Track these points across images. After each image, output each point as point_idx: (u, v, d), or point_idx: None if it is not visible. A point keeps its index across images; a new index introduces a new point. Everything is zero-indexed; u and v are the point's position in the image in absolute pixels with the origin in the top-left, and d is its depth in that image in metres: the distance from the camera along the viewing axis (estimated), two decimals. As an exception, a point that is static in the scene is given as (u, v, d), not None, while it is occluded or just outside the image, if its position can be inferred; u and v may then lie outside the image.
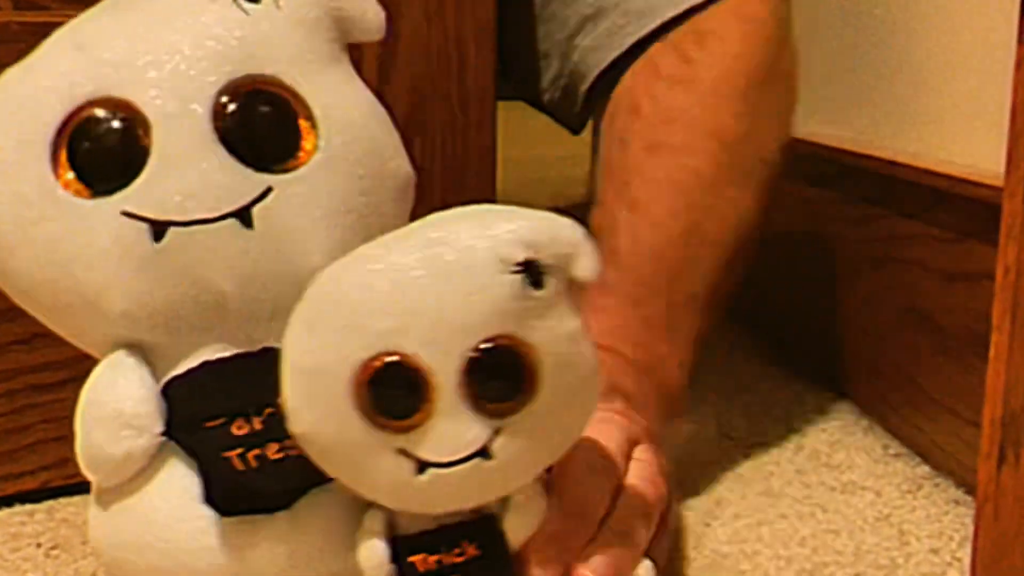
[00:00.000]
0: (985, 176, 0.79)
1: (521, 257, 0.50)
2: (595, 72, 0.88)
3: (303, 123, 0.54)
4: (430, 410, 0.51)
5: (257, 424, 0.54)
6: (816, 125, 1.08)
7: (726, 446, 0.92)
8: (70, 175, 0.53)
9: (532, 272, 0.51)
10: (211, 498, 0.53)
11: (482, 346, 0.50)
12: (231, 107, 0.53)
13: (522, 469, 0.54)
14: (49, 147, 0.53)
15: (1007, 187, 0.58)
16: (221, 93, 0.53)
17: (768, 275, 1.13)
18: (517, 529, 0.56)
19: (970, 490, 0.81)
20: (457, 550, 0.55)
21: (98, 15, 0.56)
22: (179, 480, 0.54)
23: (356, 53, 0.79)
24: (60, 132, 0.53)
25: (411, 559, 0.55)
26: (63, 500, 0.82)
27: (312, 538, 0.55)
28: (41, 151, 0.53)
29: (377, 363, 0.50)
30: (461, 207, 0.52)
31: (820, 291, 1.05)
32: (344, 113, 0.56)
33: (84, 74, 0.53)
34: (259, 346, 0.55)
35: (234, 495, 0.53)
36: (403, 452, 0.52)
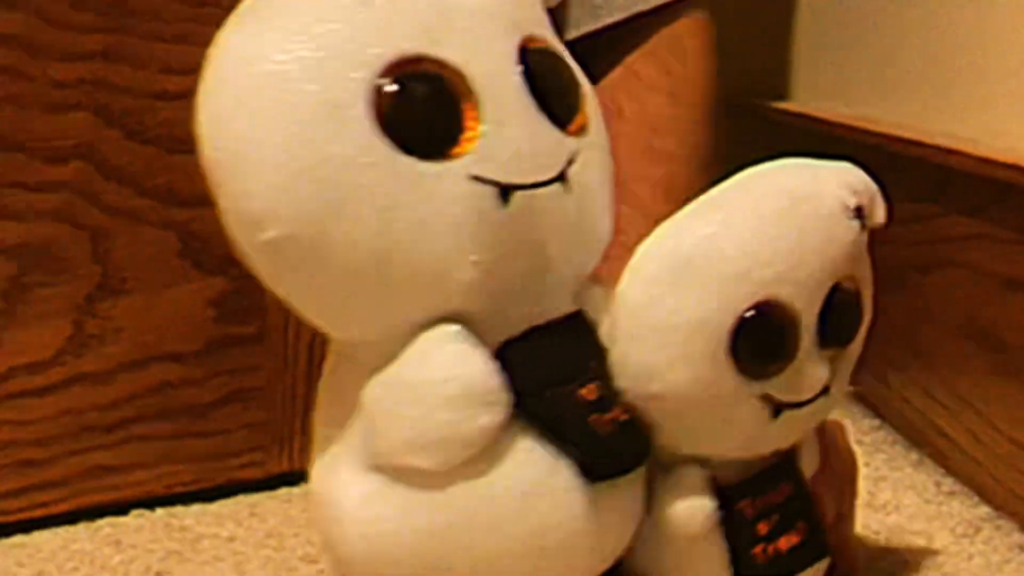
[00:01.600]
0: None
1: (855, 203, 0.59)
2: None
3: (580, 85, 0.59)
4: (796, 354, 0.57)
5: (598, 388, 0.57)
6: (859, 109, 1.05)
7: None
8: (393, 138, 0.52)
9: (861, 216, 0.60)
10: (585, 465, 0.56)
11: (837, 287, 0.58)
12: (535, 67, 0.55)
13: (838, 403, 0.63)
14: (370, 108, 0.51)
15: None
16: (519, 52, 0.55)
17: None
18: (808, 466, 0.64)
19: (1036, 534, 0.78)
20: (777, 490, 0.62)
21: None
22: (529, 452, 0.56)
23: None
24: (378, 92, 0.51)
25: (738, 506, 0.60)
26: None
27: (638, 497, 0.60)
28: (362, 112, 0.51)
29: (751, 312, 0.55)
30: (755, 166, 0.60)
31: None
32: (582, 75, 0.60)
33: (387, 31, 0.53)
34: (561, 312, 0.57)
35: (606, 460, 0.57)
36: (766, 398, 0.57)
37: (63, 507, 0.79)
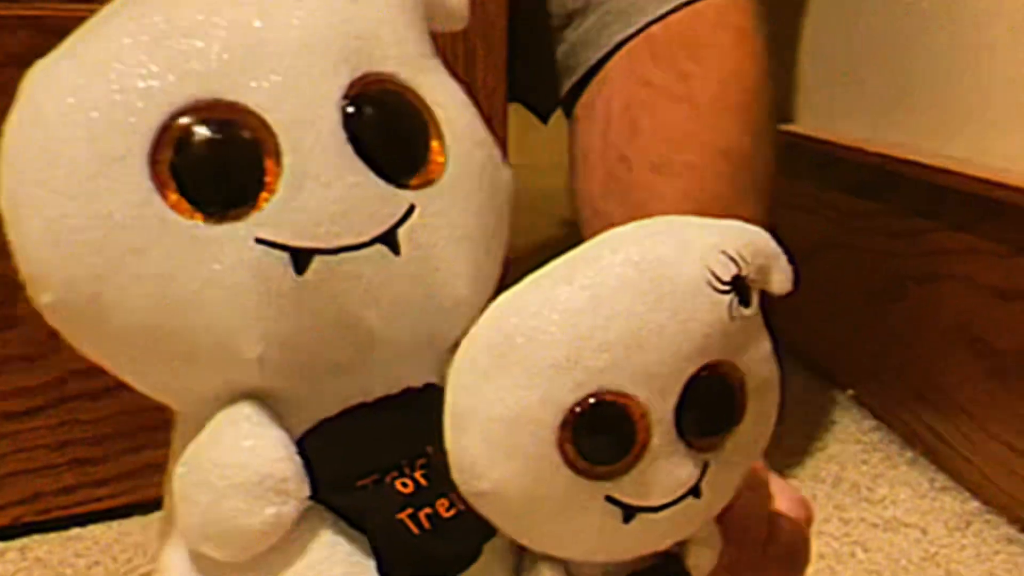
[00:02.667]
0: None
1: (730, 275, 0.47)
2: (584, 68, 0.89)
3: (431, 129, 0.49)
4: (643, 452, 0.47)
5: (419, 479, 0.49)
6: (857, 129, 1.09)
7: None
8: (175, 196, 0.45)
9: (740, 290, 0.48)
10: (383, 567, 0.48)
11: (700, 376, 0.47)
12: (364, 112, 0.47)
13: (720, 502, 0.52)
14: (147, 162, 0.44)
15: None
16: (347, 95, 0.47)
17: (804, 293, 1.11)
18: (701, 566, 0.54)
19: (1024, 527, 0.80)
20: None
21: None
22: (332, 548, 0.48)
23: None
24: (158, 143, 0.45)
25: None
26: (36, 538, 0.83)
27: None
28: (138, 166, 0.44)
29: (585, 405, 0.46)
30: (632, 223, 0.48)
31: (861, 310, 1.06)
32: (458, 115, 0.50)
33: (176, 71, 0.45)
34: (399, 387, 0.50)
35: (413, 563, 0.48)
36: (611, 499, 0.48)
37: (118, 501, 0.83)
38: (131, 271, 0.45)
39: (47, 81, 0.45)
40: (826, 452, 0.97)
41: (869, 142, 1.05)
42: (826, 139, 1.09)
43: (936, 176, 0.91)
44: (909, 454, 0.97)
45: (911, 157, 0.96)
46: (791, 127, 1.21)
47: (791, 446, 0.98)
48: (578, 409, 0.45)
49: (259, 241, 0.45)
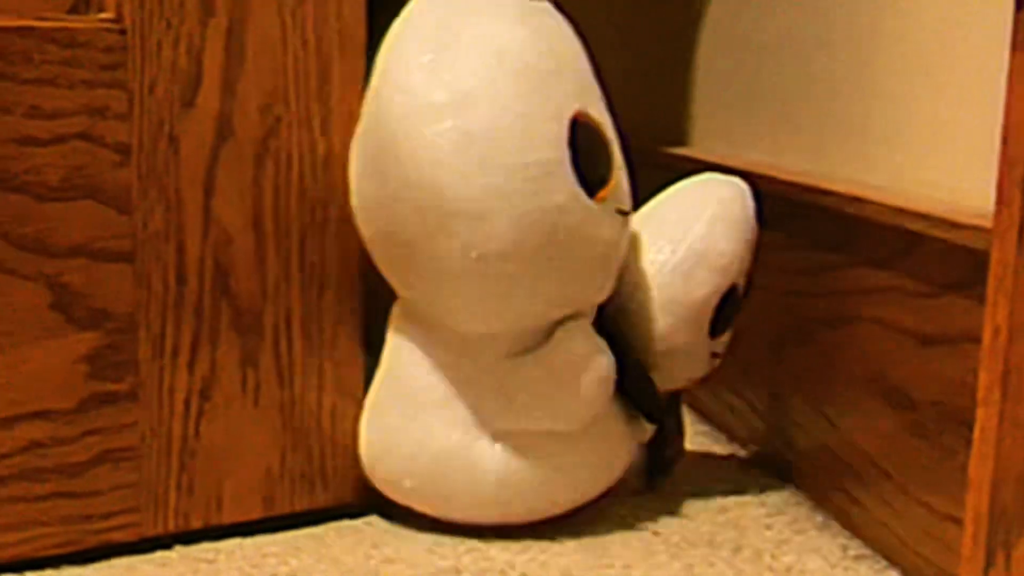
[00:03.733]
0: (969, 216, 0.76)
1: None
2: None
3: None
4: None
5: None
6: (760, 154, 1.07)
7: (649, 542, 0.89)
8: (578, 186, 0.81)
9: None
10: (651, 415, 0.95)
11: None
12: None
13: None
14: (570, 164, 0.81)
15: (996, 229, 0.57)
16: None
17: None
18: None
19: (949, 601, 0.79)
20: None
21: (511, 26, 0.81)
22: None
23: (194, 66, 0.77)
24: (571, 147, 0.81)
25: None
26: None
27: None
28: (567, 167, 0.80)
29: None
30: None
31: (764, 355, 1.04)
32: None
33: (559, 94, 0.82)
34: None
35: (658, 408, 0.96)
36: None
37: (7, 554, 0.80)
38: (558, 239, 0.81)
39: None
40: (725, 515, 0.94)
41: (771, 168, 1.03)
42: (722, 164, 1.06)
43: (847, 205, 0.89)
44: (819, 517, 0.93)
45: (819, 184, 0.93)
46: (683, 150, 1.19)
47: (685, 508, 0.95)
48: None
49: (619, 211, 0.86)
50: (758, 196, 0.96)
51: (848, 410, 0.91)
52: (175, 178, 0.79)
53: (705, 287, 0.91)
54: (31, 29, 0.74)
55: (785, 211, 0.98)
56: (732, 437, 1.09)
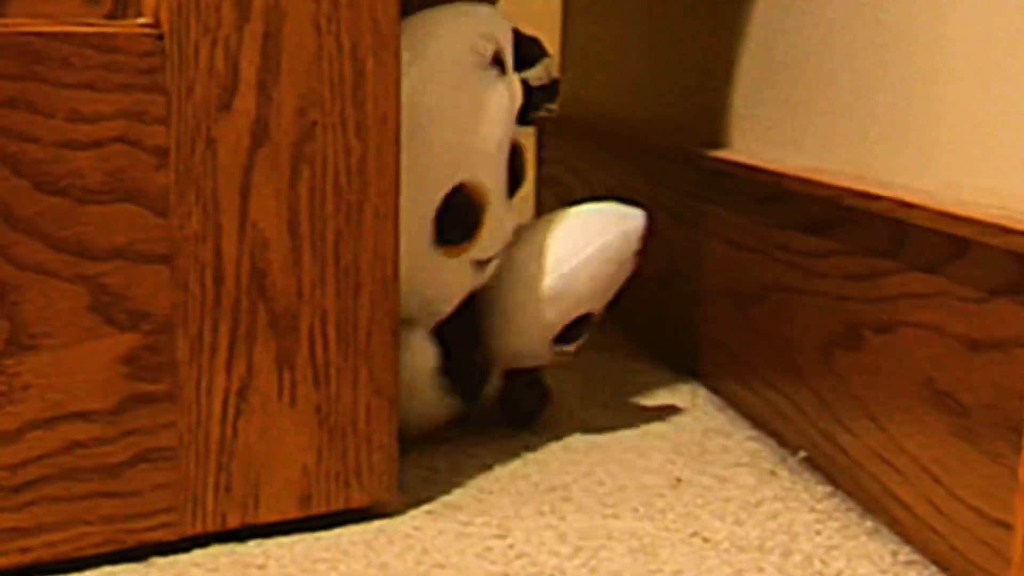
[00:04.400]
0: (1018, 221, 0.76)
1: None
2: None
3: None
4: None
5: None
6: (811, 160, 1.06)
7: (699, 547, 0.88)
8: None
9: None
10: None
11: None
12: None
13: None
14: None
15: None
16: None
17: (748, 342, 1.11)
18: None
19: (994, 606, 0.79)
20: None
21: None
22: None
23: (230, 70, 0.79)
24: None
25: None
26: None
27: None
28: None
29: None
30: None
31: (815, 360, 1.03)
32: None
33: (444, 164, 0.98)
34: None
35: None
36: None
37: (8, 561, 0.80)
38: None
39: None
40: (775, 520, 0.93)
41: (821, 173, 1.02)
42: (772, 169, 1.07)
43: (897, 211, 0.88)
44: (869, 523, 0.93)
45: (869, 190, 0.92)
46: (725, 154, 1.19)
47: (735, 512, 0.95)
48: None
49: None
50: (805, 200, 0.96)
51: (898, 415, 0.89)
52: (212, 181, 0.80)
53: (561, 314, 1.07)
54: (70, 35, 0.76)
55: (834, 216, 0.98)
56: (782, 442, 1.09)
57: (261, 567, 0.83)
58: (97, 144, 0.77)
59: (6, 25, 0.75)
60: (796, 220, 1.04)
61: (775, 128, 1.14)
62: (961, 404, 0.81)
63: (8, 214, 0.76)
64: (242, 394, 0.83)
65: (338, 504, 0.88)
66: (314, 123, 0.82)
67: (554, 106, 1.44)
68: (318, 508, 0.88)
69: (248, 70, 0.80)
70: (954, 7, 0.87)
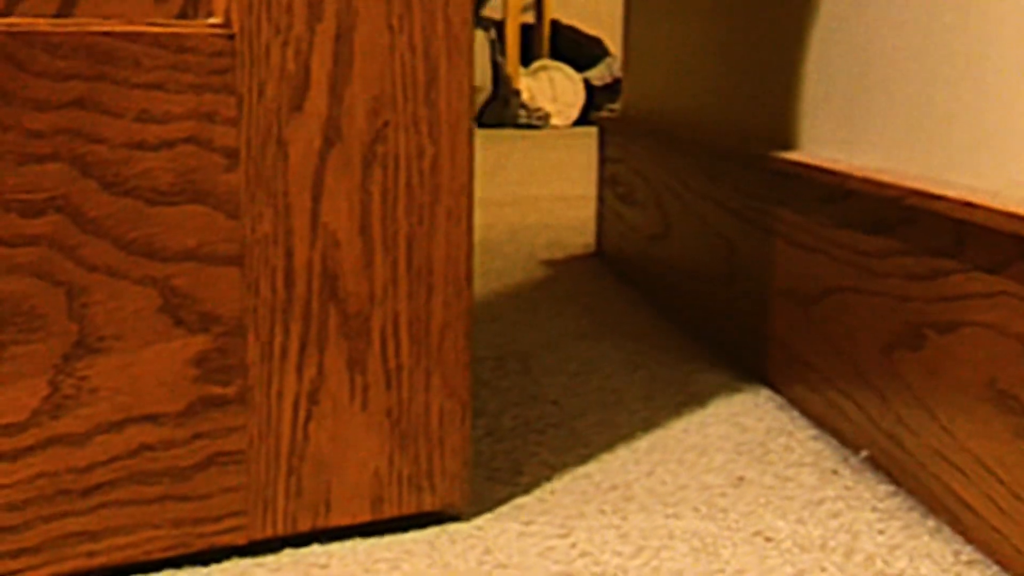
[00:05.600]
0: None
1: None
2: None
3: None
4: None
5: None
6: (873, 160, 1.02)
7: (761, 547, 0.84)
8: None
9: None
10: None
11: None
12: None
13: None
14: None
15: None
16: None
17: (811, 341, 1.06)
18: None
19: (1063, 608, 0.74)
20: None
21: None
22: None
23: (302, 71, 0.74)
24: None
25: None
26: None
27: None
28: None
29: None
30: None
31: (877, 360, 0.98)
32: None
33: None
34: None
35: None
36: None
37: (38, 574, 0.75)
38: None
39: None
40: (838, 520, 0.88)
41: (883, 173, 0.98)
42: (835, 170, 1.03)
43: (959, 211, 0.84)
44: (931, 522, 0.88)
45: (931, 190, 0.88)
46: (792, 155, 1.15)
47: (797, 511, 0.90)
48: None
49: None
50: (867, 200, 0.92)
51: (960, 414, 0.85)
52: (283, 182, 0.75)
53: None
54: (140, 34, 0.71)
55: (896, 216, 0.94)
56: (844, 441, 1.04)
57: (324, 567, 0.78)
58: (167, 145, 0.72)
59: (75, 25, 0.70)
60: (858, 220, 1.00)
61: (838, 129, 1.10)
62: (1022, 404, 0.77)
63: (77, 216, 0.71)
64: (313, 397, 0.78)
65: (410, 508, 0.83)
66: (386, 124, 0.77)
67: (616, 105, 1.41)
68: (390, 512, 0.82)
69: (320, 71, 0.75)
70: (1018, 7, 0.83)
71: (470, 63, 0.79)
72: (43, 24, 0.70)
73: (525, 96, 5.13)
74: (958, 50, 0.90)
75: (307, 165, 0.76)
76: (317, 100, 0.75)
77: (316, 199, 0.76)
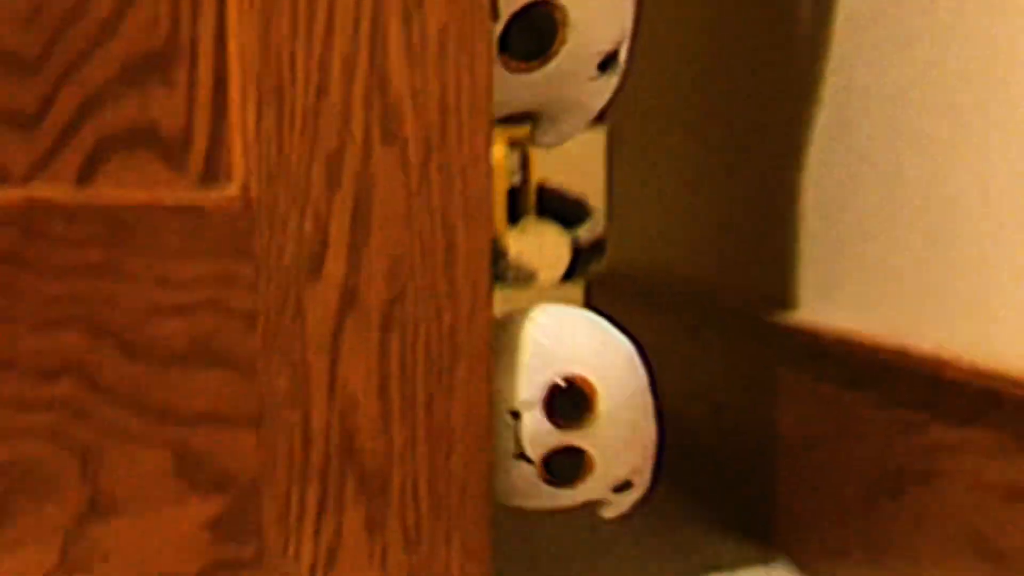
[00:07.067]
0: None
1: None
2: None
3: None
4: None
5: None
6: (849, 318, 0.99)
7: None
8: None
9: None
10: None
11: None
12: None
13: None
14: None
15: None
16: None
17: (796, 490, 1.03)
18: None
19: None
20: None
21: None
22: None
23: (320, 236, 0.69)
24: None
25: None
26: None
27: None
28: None
29: None
30: None
31: (857, 509, 0.95)
32: None
33: None
34: None
35: None
36: None
37: None
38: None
39: None
40: None
41: (861, 331, 0.96)
42: (813, 328, 1.01)
43: (932, 366, 0.82)
44: None
45: (905, 346, 0.88)
46: (774, 314, 1.12)
47: None
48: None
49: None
50: (844, 356, 0.92)
51: (940, 561, 0.82)
52: (301, 344, 0.70)
53: None
54: (158, 203, 0.67)
55: (875, 371, 0.92)
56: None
57: None
58: (184, 309, 0.67)
59: (94, 194, 0.66)
60: (838, 375, 0.98)
61: (818, 288, 1.08)
62: (1001, 551, 0.74)
63: (93, 381, 0.66)
64: (331, 558, 0.72)
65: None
66: (404, 287, 0.72)
67: (601, 263, 1.36)
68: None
69: (338, 236, 0.70)
70: (981, 175, 0.81)
71: (488, 227, 0.74)
72: (62, 193, 0.66)
73: (513, 254, 5.08)
74: (926, 210, 0.88)
75: (325, 327, 0.70)
76: (335, 264, 0.70)
77: (334, 361, 0.71)
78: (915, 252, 0.90)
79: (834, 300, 1.01)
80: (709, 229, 1.34)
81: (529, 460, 0.77)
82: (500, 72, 0.76)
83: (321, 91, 0.69)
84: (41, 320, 0.65)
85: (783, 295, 1.14)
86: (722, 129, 1.26)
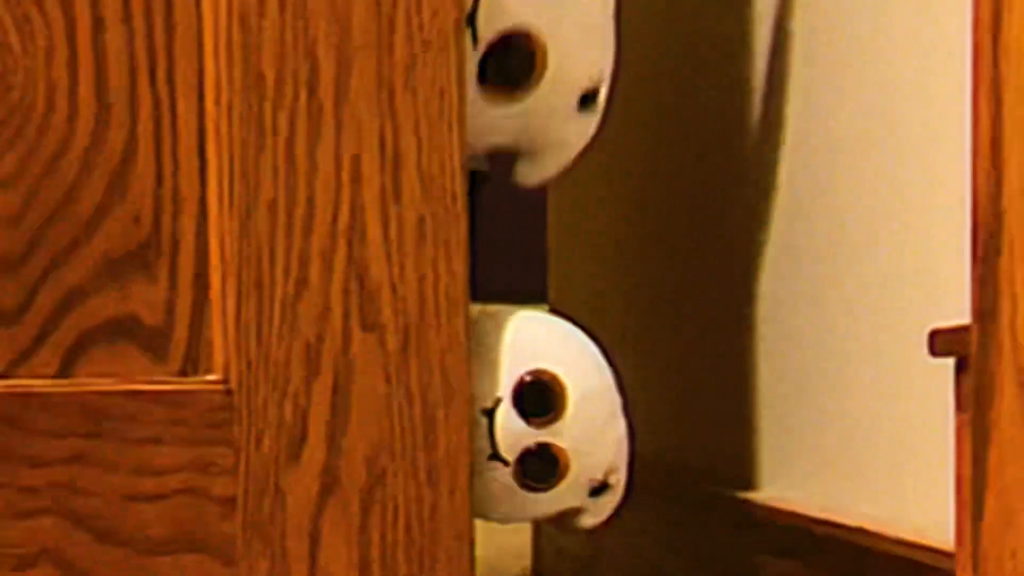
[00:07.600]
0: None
1: None
2: None
3: None
4: None
5: None
6: (780, 490, 0.99)
7: None
8: None
9: None
10: None
11: None
12: None
13: None
14: None
15: (958, 559, 0.56)
16: None
17: None
18: None
19: None
20: None
21: None
22: None
23: (299, 422, 0.67)
24: None
25: None
26: None
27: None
28: None
29: None
30: None
31: None
32: None
33: None
34: None
35: None
36: None
37: None
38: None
39: None
40: None
41: (793, 504, 0.96)
42: (745, 499, 1.01)
43: (856, 537, 0.85)
44: None
45: (831, 518, 0.89)
46: (710, 487, 1.12)
47: None
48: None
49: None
50: (774, 528, 0.95)
51: None
52: (281, 529, 0.68)
53: None
54: (137, 392, 0.66)
55: (806, 543, 0.92)
56: None
57: None
58: (162, 496, 0.66)
59: (73, 384, 0.66)
60: (770, 547, 0.97)
61: (750, 462, 1.07)
62: None
63: (69, 567, 0.65)
64: None
65: None
66: (384, 470, 0.70)
67: None
68: None
69: (317, 422, 0.68)
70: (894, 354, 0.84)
71: (467, 410, 0.72)
72: (41, 384, 0.65)
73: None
74: (854, 394, 0.89)
75: (305, 512, 0.68)
76: (315, 450, 0.68)
77: (314, 545, 0.68)
78: (842, 426, 0.91)
79: (765, 475, 1.02)
80: (655, 410, 1.33)
81: (504, 461, 0.73)
82: (479, 103, 0.74)
83: (300, 283, 0.68)
84: (19, 510, 0.64)
85: (716, 470, 1.13)
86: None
